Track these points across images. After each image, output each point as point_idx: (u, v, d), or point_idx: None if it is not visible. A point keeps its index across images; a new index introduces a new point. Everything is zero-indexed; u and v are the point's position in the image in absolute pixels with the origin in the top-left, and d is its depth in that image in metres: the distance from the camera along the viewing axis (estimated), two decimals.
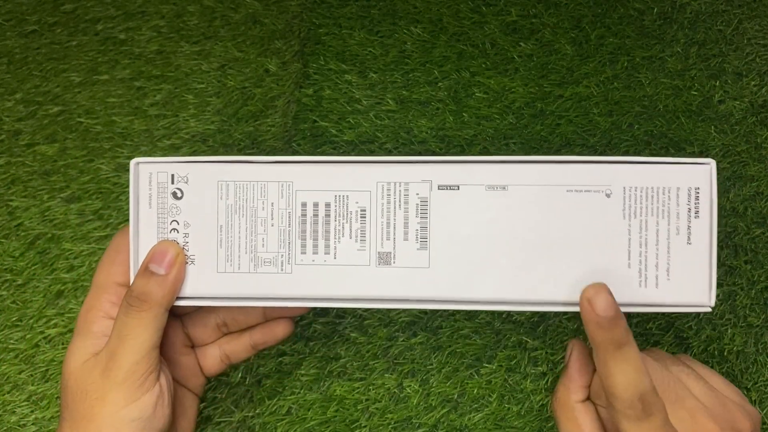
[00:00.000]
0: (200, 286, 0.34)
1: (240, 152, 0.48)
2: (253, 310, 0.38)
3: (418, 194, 0.33)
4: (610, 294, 0.31)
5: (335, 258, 0.33)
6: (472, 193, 0.33)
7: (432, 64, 0.49)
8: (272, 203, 0.33)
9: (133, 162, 0.34)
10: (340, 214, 0.33)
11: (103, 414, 0.31)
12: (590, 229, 0.33)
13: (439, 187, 0.33)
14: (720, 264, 0.45)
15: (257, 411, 0.44)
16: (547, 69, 0.49)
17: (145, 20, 0.50)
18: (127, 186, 0.48)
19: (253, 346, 0.39)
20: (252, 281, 0.34)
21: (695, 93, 0.48)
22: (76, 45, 0.50)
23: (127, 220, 0.47)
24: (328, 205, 0.33)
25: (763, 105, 0.48)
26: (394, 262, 0.33)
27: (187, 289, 0.34)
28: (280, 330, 0.38)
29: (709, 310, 0.33)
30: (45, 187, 0.48)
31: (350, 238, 0.33)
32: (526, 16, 0.49)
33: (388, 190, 0.33)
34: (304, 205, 0.33)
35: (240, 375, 0.45)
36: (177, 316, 0.38)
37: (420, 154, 0.47)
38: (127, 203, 0.48)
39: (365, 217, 0.33)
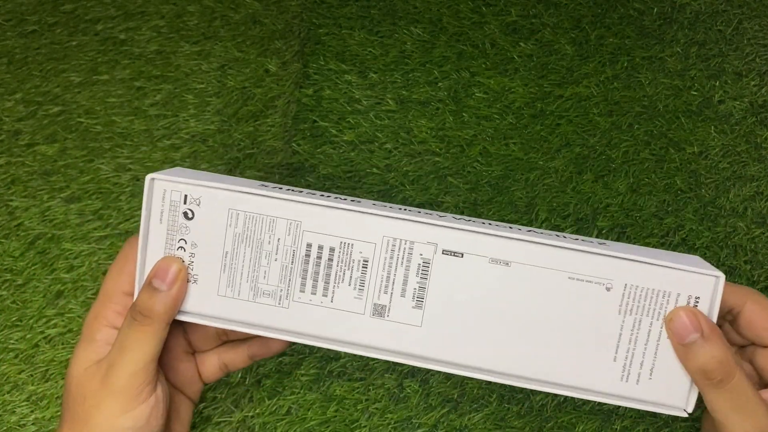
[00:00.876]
0: (201, 305, 0.35)
1: (240, 152, 0.48)
2: None
3: (421, 255, 0.33)
4: (695, 313, 0.31)
5: (332, 301, 0.34)
6: (474, 263, 0.33)
7: (432, 64, 0.49)
8: (279, 239, 0.34)
9: (148, 177, 0.34)
10: (342, 261, 0.34)
11: (98, 420, 0.33)
12: (584, 318, 0.33)
13: (443, 252, 0.33)
14: (720, 264, 0.45)
15: (257, 411, 0.44)
16: (547, 69, 0.49)
17: (145, 20, 0.50)
18: (127, 186, 0.48)
19: (250, 356, 0.40)
20: (250, 309, 0.34)
21: (695, 93, 0.48)
22: (76, 45, 0.50)
23: (127, 221, 0.47)
24: (332, 249, 0.34)
25: (763, 105, 0.48)
26: (387, 316, 0.34)
27: (189, 306, 0.35)
28: (275, 345, 0.39)
29: (686, 415, 0.33)
30: (45, 187, 0.48)
31: (349, 285, 0.34)
32: (526, 16, 0.49)
33: (393, 245, 0.33)
34: (309, 245, 0.34)
35: (240, 375, 0.45)
36: (180, 322, 0.38)
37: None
38: (127, 203, 0.48)
39: (366, 267, 0.34)
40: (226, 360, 0.39)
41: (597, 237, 0.46)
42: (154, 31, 0.50)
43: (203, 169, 0.48)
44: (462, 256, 0.33)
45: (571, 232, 0.46)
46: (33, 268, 0.47)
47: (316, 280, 0.34)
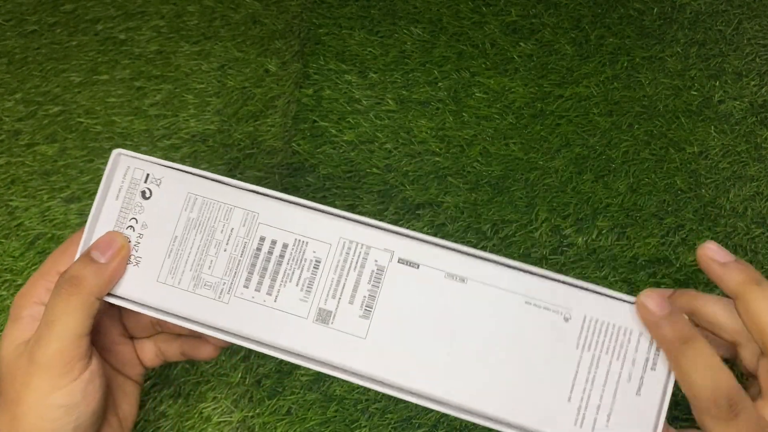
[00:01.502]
0: (136, 290, 0.33)
1: (240, 152, 0.48)
2: None
3: (376, 261, 0.32)
4: (662, 294, 0.31)
5: (275, 301, 0.32)
6: (430, 276, 0.32)
7: (432, 64, 0.49)
8: (232, 228, 0.33)
9: (115, 152, 0.33)
10: (294, 258, 0.32)
11: (29, 399, 0.31)
12: (540, 349, 0.31)
13: (399, 260, 0.32)
14: None
15: (257, 411, 0.44)
16: (547, 69, 0.49)
17: (145, 20, 0.50)
18: None
19: (182, 353, 0.38)
20: (187, 300, 0.33)
21: (695, 93, 0.48)
22: (76, 45, 0.50)
23: None
24: (285, 246, 0.32)
25: (763, 105, 0.48)
26: (332, 323, 0.32)
27: (123, 289, 0.33)
28: (204, 351, 0.38)
29: None
30: (45, 187, 0.48)
31: (296, 285, 0.32)
32: (526, 16, 0.49)
33: (349, 248, 0.32)
34: (262, 239, 0.33)
35: (240, 375, 0.45)
36: (116, 307, 0.38)
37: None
38: None
39: (318, 268, 0.32)
40: (162, 349, 0.38)
41: (597, 236, 0.46)
42: (154, 31, 0.50)
43: (203, 169, 0.48)
44: (418, 267, 0.32)
45: (572, 232, 0.46)
46: (33, 268, 0.47)
47: (263, 276, 0.32)
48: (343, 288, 0.32)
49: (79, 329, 0.31)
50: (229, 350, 0.45)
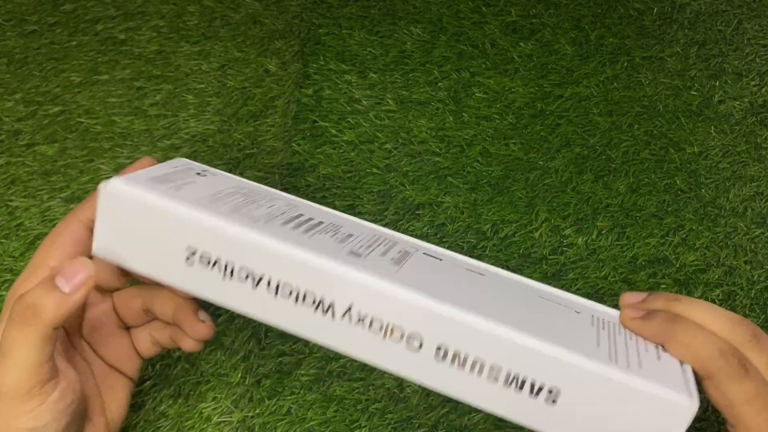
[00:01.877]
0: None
1: (240, 152, 0.48)
2: (166, 309, 0.36)
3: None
4: (636, 298, 0.33)
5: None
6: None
7: (432, 64, 0.49)
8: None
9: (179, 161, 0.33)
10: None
11: None
12: (558, 318, 0.31)
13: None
14: (720, 264, 0.45)
15: (257, 411, 0.44)
16: (547, 69, 0.49)
17: (145, 20, 0.50)
18: None
19: (173, 340, 0.37)
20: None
21: (695, 93, 0.48)
22: (76, 45, 0.50)
23: None
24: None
25: (763, 105, 0.48)
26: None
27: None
28: (186, 344, 0.36)
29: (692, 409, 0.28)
30: (45, 187, 0.48)
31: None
32: (526, 16, 0.49)
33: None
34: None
35: (240, 375, 0.45)
36: (108, 298, 0.37)
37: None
38: None
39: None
40: (157, 337, 0.37)
41: (597, 236, 0.46)
42: (154, 31, 0.50)
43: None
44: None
45: (572, 232, 0.46)
46: None
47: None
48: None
49: (37, 358, 0.29)
50: (229, 350, 0.45)
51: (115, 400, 0.36)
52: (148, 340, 0.37)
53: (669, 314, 0.31)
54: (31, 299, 0.29)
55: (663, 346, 0.31)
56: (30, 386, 0.29)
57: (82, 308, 0.36)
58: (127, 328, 0.38)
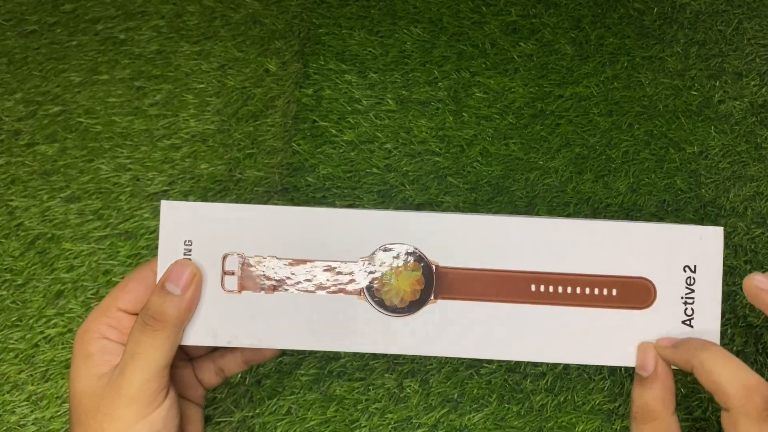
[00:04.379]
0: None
1: (240, 152, 0.48)
2: None
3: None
4: (647, 350, 0.33)
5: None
6: None
7: (432, 64, 0.49)
8: None
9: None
10: None
11: (112, 429, 0.32)
12: None
13: None
14: None
15: (257, 411, 0.44)
16: (547, 69, 0.49)
17: (145, 20, 0.50)
18: (127, 186, 0.48)
19: (245, 361, 0.39)
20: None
21: (695, 93, 0.48)
22: (76, 45, 0.50)
23: (127, 221, 0.47)
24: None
25: (763, 105, 0.48)
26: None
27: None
28: (269, 351, 0.39)
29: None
30: (45, 187, 0.48)
31: None
32: (526, 16, 0.49)
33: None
34: None
35: (240, 375, 0.45)
36: None
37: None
38: (127, 203, 0.48)
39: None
40: (221, 365, 0.39)
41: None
42: (154, 31, 0.50)
43: (203, 169, 0.48)
44: None
45: None
46: (33, 268, 0.47)
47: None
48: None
49: (164, 361, 0.32)
50: None
51: (190, 424, 0.38)
52: (211, 370, 0.39)
53: (699, 341, 0.31)
54: (153, 308, 0.32)
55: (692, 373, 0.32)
56: (154, 388, 0.32)
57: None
58: (190, 360, 0.39)
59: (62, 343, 0.46)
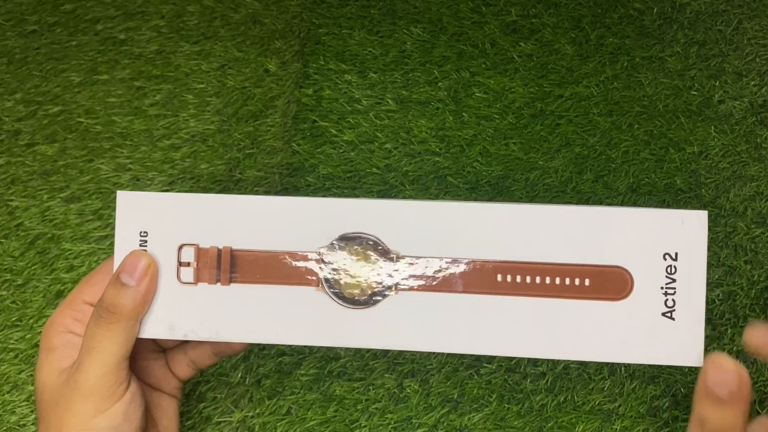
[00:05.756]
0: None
1: (240, 152, 0.48)
2: None
3: None
4: (734, 361, 0.29)
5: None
6: None
7: (432, 64, 0.49)
8: None
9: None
10: None
11: (71, 424, 0.31)
12: None
13: None
14: (720, 264, 0.45)
15: (257, 411, 0.44)
16: (547, 69, 0.49)
17: (145, 20, 0.50)
18: (127, 186, 0.48)
19: (215, 353, 0.39)
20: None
21: (695, 93, 0.48)
22: (76, 45, 0.50)
23: None
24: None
25: (763, 105, 0.48)
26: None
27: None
28: (237, 343, 0.38)
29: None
30: (45, 187, 0.48)
31: None
32: (526, 16, 0.49)
33: None
34: None
35: (240, 375, 0.45)
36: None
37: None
38: None
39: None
40: (193, 357, 0.38)
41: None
42: (154, 31, 0.50)
43: (203, 169, 0.48)
44: None
45: None
46: (33, 268, 0.47)
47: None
48: None
49: (121, 354, 0.32)
50: None
51: (164, 415, 0.38)
52: (183, 362, 0.38)
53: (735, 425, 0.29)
54: (108, 300, 0.32)
55: None
56: (111, 382, 0.32)
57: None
58: (163, 351, 0.39)
59: None
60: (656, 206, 0.46)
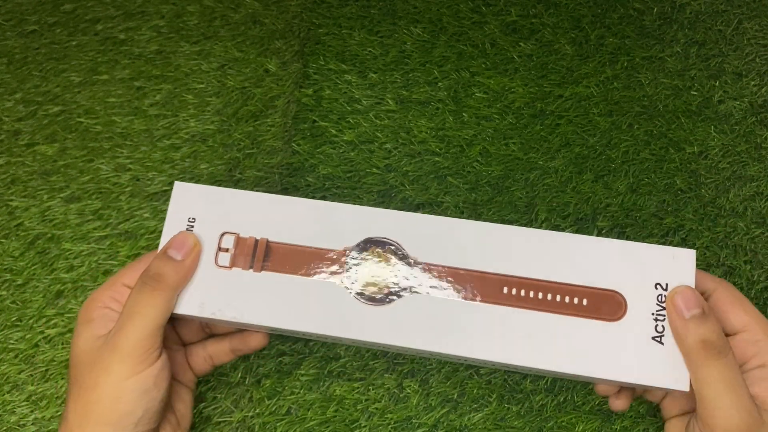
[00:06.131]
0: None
1: (240, 152, 0.48)
2: None
3: None
4: (695, 291, 0.32)
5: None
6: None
7: (432, 64, 0.49)
8: None
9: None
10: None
11: (107, 383, 0.33)
12: None
13: None
14: (720, 264, 0.45)
15: (257, 411, 0.44)
16: (547, 69, 0.49)
17: (145, 20, 0.50)
18: (127, 186, 0.48)
19: (232, 350, 0.40)
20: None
21: (695, 93, 0.48)
22: (76, 45, 0.50)
23: (127, 221, 0.47)
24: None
25: (763, 105, 0.48)
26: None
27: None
28: (253, 341, 0.40)
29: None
30: (45, 187, 0.48)
31: None
32: (526, 16, 0.49)
33: None
34: None
35: (240, 375, 0.44)
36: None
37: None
38: (127, 203, 0.48)
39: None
40: (211, 352, 0.40)
41: (597, 236, 0.46)
42: (154, 31, 0.50)
43: (203, 169, 0.48)
44: None
45: (572, 232, 0.46)
46: (33, 268, 0.47)
47: None
48: None
49: (160, 320, 0.34)
50: None
51: (180, 402, 0.39)
52: (201, 356, 0.40)
53: (716, 340, 0.32)
54: (155, 269, 0.34)
55: None
56: (148, 346, 0.34)
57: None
58: (184, 345, 0.41)
59: (62, 343, 0.46)
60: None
